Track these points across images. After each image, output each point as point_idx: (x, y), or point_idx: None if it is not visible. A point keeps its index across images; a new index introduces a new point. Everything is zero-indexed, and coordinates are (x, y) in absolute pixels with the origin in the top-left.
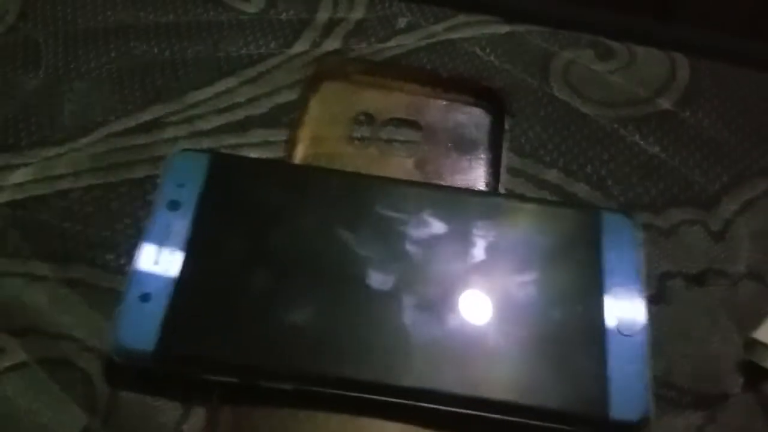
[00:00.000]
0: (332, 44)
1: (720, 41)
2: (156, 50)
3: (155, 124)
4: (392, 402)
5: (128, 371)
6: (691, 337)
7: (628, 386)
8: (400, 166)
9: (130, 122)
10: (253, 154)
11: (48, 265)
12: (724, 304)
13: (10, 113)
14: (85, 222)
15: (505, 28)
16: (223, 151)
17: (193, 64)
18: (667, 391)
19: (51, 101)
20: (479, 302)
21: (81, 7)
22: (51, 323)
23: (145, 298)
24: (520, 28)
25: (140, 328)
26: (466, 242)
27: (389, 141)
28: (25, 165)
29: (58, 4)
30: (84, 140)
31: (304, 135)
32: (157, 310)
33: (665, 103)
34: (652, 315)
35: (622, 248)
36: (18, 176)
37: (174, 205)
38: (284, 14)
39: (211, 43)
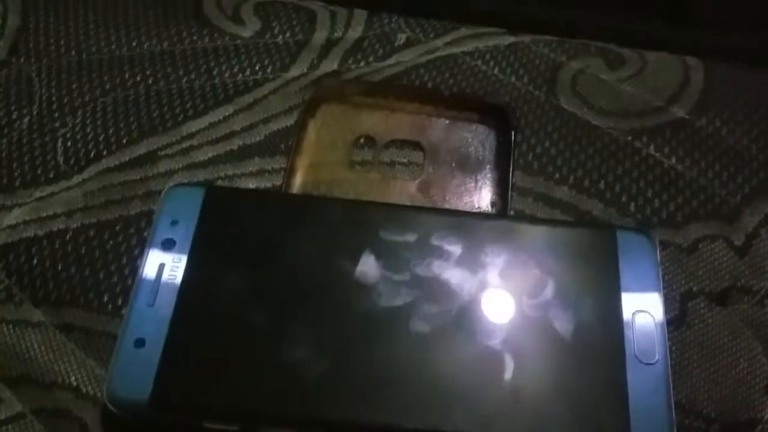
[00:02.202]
0: (330, 65)
1: (735, 42)
2: (150, 80)
3: (149, 158)
4: None
5: (125, 421)
6: (716, 360)
7: (650, 419)
8: (404, 189)
9: (124, 157)
10: (251, 184)
11: (42, 310)
12: (750, 324)
13: (4, 152)
14: (79, 264)
15: (509, 39)
16: (220, 182)
17: (188, 93)
18: (693, 419)
19: (44, 138)
20: (491, 334)
21: (74, 39)
22: (46, 371)
23: (139, 343)
24: (525, 38)
25: (135, 376)
26: (475, 270)
27: (391, 164)
28: (18, 206)
29: (51, 36)
30: (77, 178)
31: (303, 162)
32: (152, 356)
33: (680, 111)
34: (674, 339)
35: (641, 269)
36: (11, 218)
37: (168, 244)
38: (280, 36)
39: (205, 70)
